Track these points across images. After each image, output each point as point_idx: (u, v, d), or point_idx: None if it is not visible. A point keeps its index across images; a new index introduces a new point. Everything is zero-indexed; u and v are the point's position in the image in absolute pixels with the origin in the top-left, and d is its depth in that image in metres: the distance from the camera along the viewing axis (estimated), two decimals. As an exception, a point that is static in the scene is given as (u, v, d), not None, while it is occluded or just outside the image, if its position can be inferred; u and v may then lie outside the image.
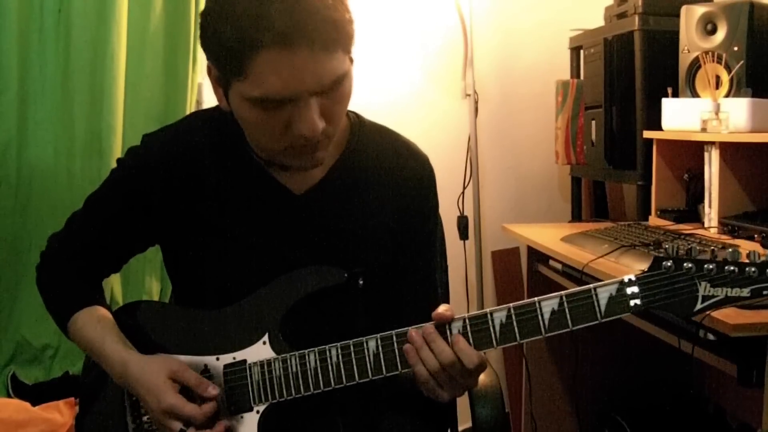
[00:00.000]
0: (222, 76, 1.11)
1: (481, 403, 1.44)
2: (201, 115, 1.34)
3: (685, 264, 1.02)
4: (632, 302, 1.05)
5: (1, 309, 2.28)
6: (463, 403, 1.41)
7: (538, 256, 2.37)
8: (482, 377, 1.44)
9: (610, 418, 2.38)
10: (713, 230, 1.99)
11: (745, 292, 1.00)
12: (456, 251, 2.80)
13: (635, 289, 1.05)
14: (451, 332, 1.12)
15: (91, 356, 1.30)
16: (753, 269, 1.00)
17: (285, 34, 1.01)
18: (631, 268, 1.70)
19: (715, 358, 1.45)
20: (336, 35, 1.06)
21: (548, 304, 1.08)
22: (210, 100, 2.48)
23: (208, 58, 1.13)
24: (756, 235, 1.81)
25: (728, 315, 1.29)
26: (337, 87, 1.09)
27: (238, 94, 1.09)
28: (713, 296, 1.02)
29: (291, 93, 1.06)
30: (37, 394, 2.24)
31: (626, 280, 1.05)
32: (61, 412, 2.13)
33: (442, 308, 1.15)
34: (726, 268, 1.01)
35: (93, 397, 1.35)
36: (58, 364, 2.32)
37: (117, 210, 1.31)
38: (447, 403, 1.45)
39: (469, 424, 1.45)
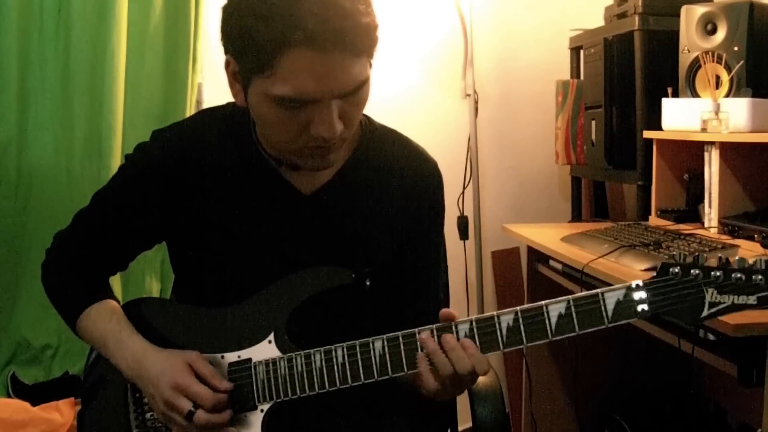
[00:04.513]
0: (243, 71, 1.11)
1: (481, 403, 1.45)
2: (211, 112, 1.34)
3: (692, 270, 1.03)
4: (639, 308, 1.05)
5: (1, 309, 2.28)
6: (463, 403, 1.42)
7: (538, 256, 2.38)
8: (482, 377, 1.45)
9: (610, 418, 2.39)
10: (713, 230, 2.00)
11: (752, 299, 1.00)
12: (456, 251, 2.80)
13: (642, 294, 1.05)
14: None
15: (102, 348, 1.30)
16: (759, 277, 1.00)
17: (318, 36, 1.02)
18: (631, 268, 1.71)
19: (715, 358, 1.46)
20: (366, 41, 1.07)
21: (555, 308, 1.08)
22: (210, 99, 2.49)
23: (227, 52, 1.13)
24: (756, 235, 1.82)
25: (729, 315, 1.29)
26: (357, 91, 1.10)
27: (261, 91, 1.09)
28: (720, 303, 1.02)
29: (317, 95, 1.07)
30: (37, 394, 2.23)
31: (633, 285, 1.05)
32: (61, 412, 2.13)
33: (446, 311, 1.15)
34: (733, 275, 1.01)
35: (95, 395, 1.35)
36: (58, 364, 2.32)
37: (124, 206, 1.31)
38: (447, 403, 1.47)
39: (469, 424, 1.46)
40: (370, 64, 1.13)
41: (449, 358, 1.11)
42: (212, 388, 1.18)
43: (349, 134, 1.17)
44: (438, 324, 1.13)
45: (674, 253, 1.06)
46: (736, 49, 2.03)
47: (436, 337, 1.13)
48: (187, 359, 1.21)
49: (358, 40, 1.06)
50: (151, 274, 2.42)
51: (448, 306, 1.40)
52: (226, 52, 1.13)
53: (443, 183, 1.38)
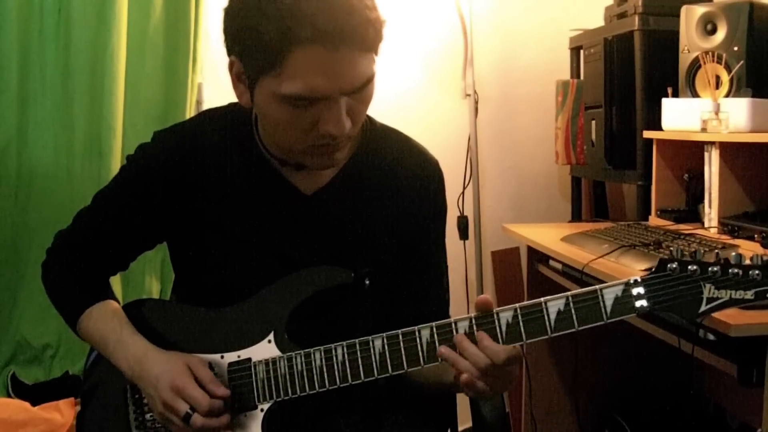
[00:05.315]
0: (249, 71, 1.11)
1: (481, 403, 1.44)
2: (213, 113, 1.34)
3: (689, 266, 1.03)
4: (638, 303, 1.05)
5: (1, 309, 2.28)
6: (463, 403, 1.42)
7: (538, 256, 2.38)
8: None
9: (610, 418, 2.39)
10: (713, 230, 2.00)
11: (749, 294, 1.00)
12: (456, 251, 2.80)
13: (641, 290, 1.05)
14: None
15: (102, 349, 1.30)
16: (756, 272, 1.00)
17: (327, 32, 1.02)
18: (631, 268, 1.71)
19: (715, 358, 1.45)
20: (374, 36, 1.08)
21: (554, 304, 1.08)
22: (210, 99, 2.49)
23: (231, 53, 1.12)
24: (756, 235, 1.82)
25: (728, 315, 1.29)
26: (365, 88, 1.11)
27: (268, 90, 1.09)
28: (717, 298, 1.02)
29: (326, 92, 1.07)
30: (37, 394, 2.24)
31: (632, 281, 1.06)
32: (61, 412, 2.13)
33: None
34: (730, 270, 1.01)
35: (95, 396, 1.35)
36: (58, 364, 2.32)
37: (125, 207, 1.31)
38: (447, 402, 1.46)
39: (469, 424, 1.46)
40: (375, 61, 1.13)
41: (466, 357, 1.09)
42: (210, 394, 1.18)
43: (355, 132, 1.17)
44: (437, 322, 1.13)
45: (672, 250, 1.06)
46: (736, 49, 2.03)
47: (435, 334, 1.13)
48: (188, 362, 1.21)
49: (366, 36, 1.06)
50: (151, 274, 2.42)
51: (448, 306, 1.41)
52: (230, 53, 1.13)
53: (444, 181, 1.38)
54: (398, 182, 1.31)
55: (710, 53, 2.08)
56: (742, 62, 2.01)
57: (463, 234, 2.86)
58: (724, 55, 2.04)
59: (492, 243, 2.93)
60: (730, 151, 1.99)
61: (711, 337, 1.44)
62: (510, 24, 2.90)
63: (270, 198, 1.27)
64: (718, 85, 2.07)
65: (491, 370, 1.09)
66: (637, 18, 2.31)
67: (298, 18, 1.02)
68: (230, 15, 1.10)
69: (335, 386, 1.17)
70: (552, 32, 2.84)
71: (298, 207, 1.27)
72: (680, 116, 2.14)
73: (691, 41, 2.14)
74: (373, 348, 1.15)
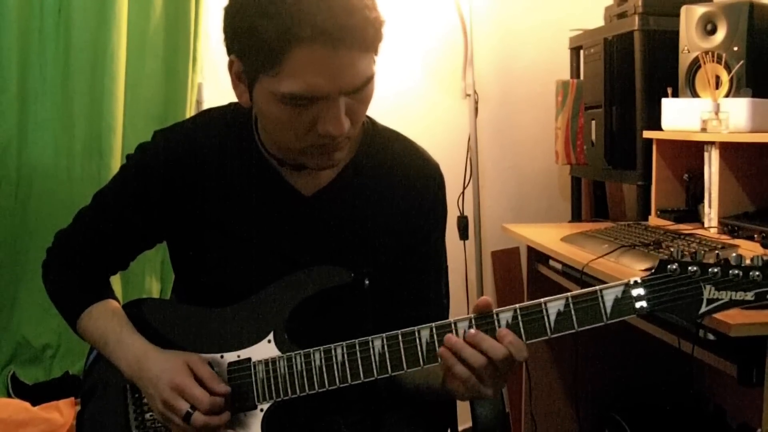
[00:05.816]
0: (249, 70, 1.11)
1: (481, 403, 1.45)
2: (212, 113, 1.34)
3: (689, 267, 1.03)
4: (638, 304, 1.05)
5: (1, 309, 2.28)
6: (463, 403, 1.41)
7: (538, 256, 2.38)
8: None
9: (610, 418, 2.39)
10: (713, 230, 2.00)
11: (749, 295, 1.00)
12: (456, 251, 2.80)
13: (641, 291, 1.05)
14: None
15: (102, 348, 1.30)
16: (757, 273, 1.00)
17: (326, 32, 1.02)
18: (631, 268, 1.71)
19: (715, 358, 1.46)
20: (373, 36, 1.07)
21: (554, 305, 1.08)
22: (210, 99, 2.49)
23: (231, 53, 1.12)
24: (756, 235, 1.82)
25: (728, 315, 1.29)
26: (364, 88, 1.10)
27: (267, 89, 1.09)
28: (718, 299, 1.02)
29: (325, 91, 1.06)
30: (37, 394, 2.24)
31: (632, 282, 1.06)
32: (61, 412, 2.13)
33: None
34: (730, 271, 1.01)
35: (94, 395, 1.35)
36: (58, 364, 2.32)
37: (125, 206, 1.31)
38: (447, 402, 1.46)
39: (469, 424, 1.46)
40: (374, 61, 1.13)
41: (483, 350, 1.07)
42: (210, 391, 1.18)
43: (355, 132, 1.17)
44: (437, 322, 1.13)
45: (672, 250, 1.06)
46: (736, 49, 2.03)
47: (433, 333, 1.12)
48: (187, 360, 1.21)
49: (366, 36, 1.06)
50: (151, 274, 2.42)
51: (448, 309, 1.41)
52: (230, 52, 1.13)
53: (444, 184, 1.38)
54: (398, 184, 1.31)
55: (710, 53, 2.08)
56: (742, 62, 2.01)
57: (463, 234, 2.86)
58: (724, 55, 2.04)
59: (492, 243, 2.93)
60: (730, 151, 1.99)
61: (711, 337, 1.44)
62: (510, 24, 2.90)
63: (269, 198, 1.27)
64: (718, 85, 2.07)
65: (503, 364, 1.08)
66: (637, 18, 2.31)
67: (298, 17, 1.02)
68: (230, 14, 1.10)
69: (335, 386, 1.17)
70: (552, 32, 2.84)
71: (297, 208, 1.27)
72: (680, 116, 2.14)
73: (691, 41, 2.14)
74: (373, 348, 1.15)
